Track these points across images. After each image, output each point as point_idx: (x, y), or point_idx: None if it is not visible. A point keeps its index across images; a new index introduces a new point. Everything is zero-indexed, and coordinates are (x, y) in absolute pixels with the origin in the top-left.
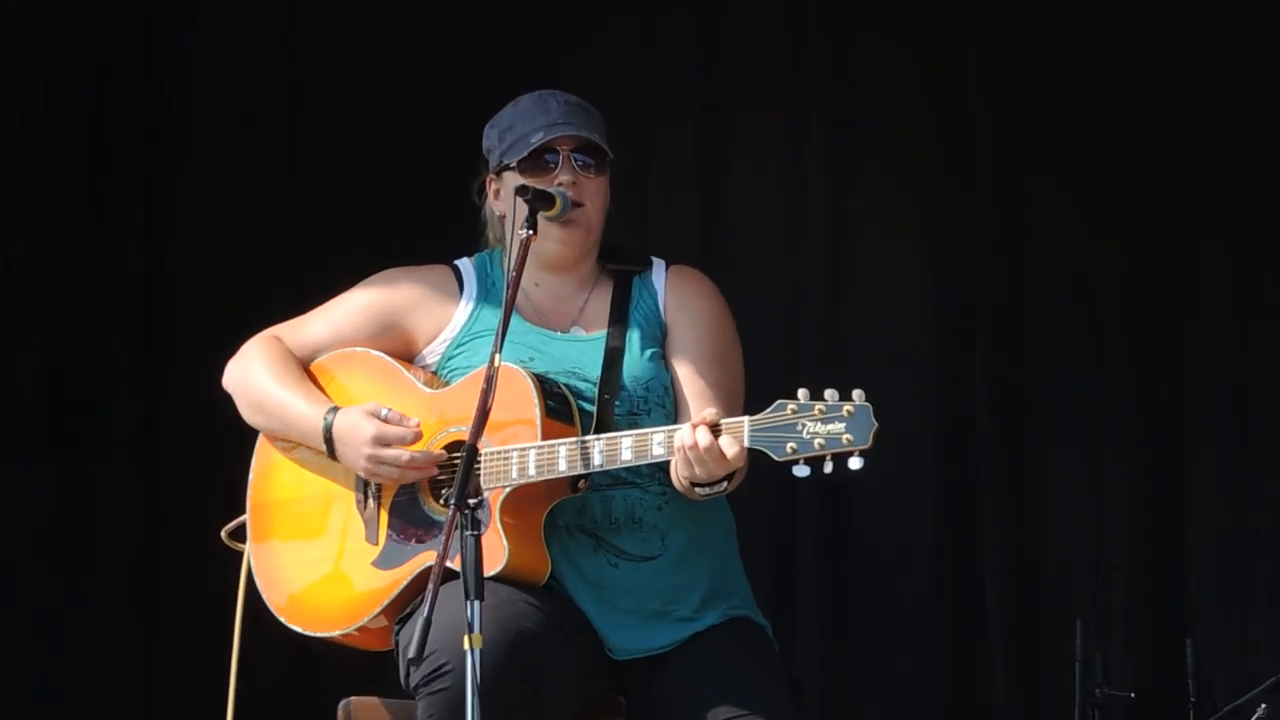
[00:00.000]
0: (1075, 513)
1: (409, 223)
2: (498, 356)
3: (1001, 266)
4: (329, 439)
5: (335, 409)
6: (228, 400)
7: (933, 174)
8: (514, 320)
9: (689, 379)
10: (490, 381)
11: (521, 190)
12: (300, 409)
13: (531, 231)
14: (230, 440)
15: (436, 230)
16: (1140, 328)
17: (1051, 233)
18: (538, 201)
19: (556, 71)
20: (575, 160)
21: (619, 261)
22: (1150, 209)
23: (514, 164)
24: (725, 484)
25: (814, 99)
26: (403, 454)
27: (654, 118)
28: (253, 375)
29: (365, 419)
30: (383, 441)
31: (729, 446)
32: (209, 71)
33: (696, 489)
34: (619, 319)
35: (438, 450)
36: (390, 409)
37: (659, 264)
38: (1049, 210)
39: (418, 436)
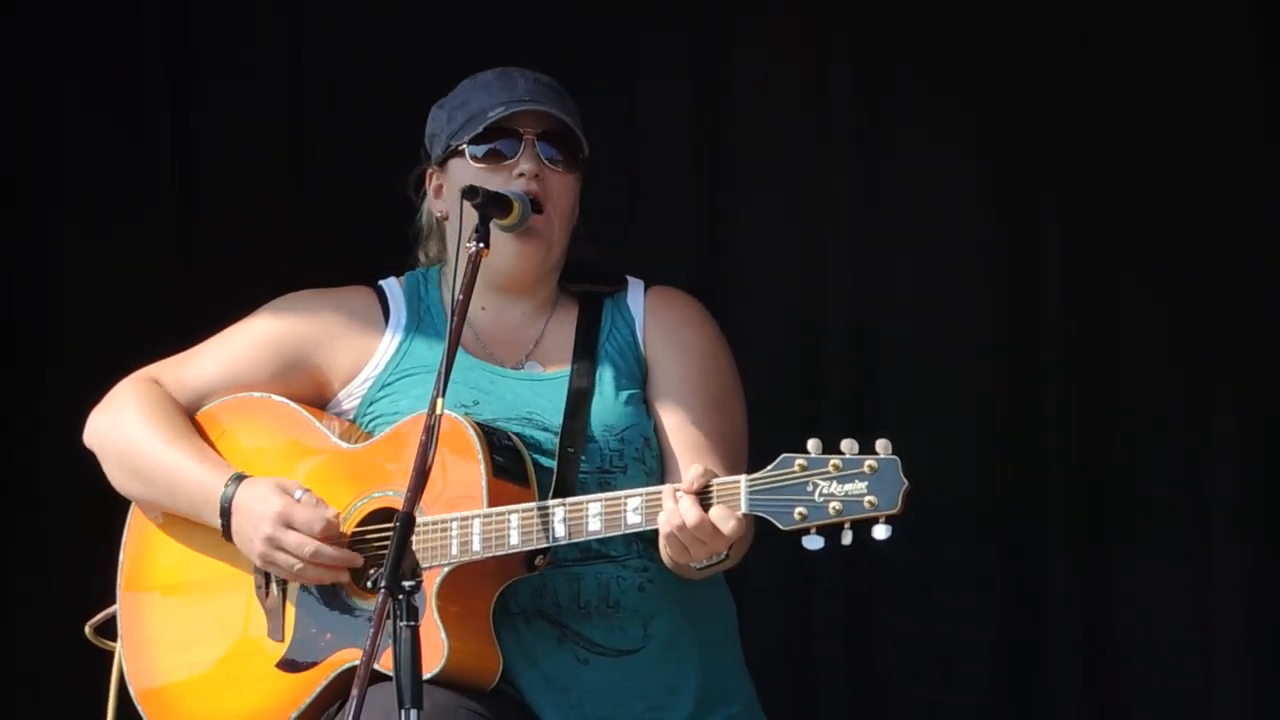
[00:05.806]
0: (1175, 620)
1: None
2: (440, 402)
3: (1075, 298)
4: (226, 513)
5: (240, 477)
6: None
7: (990, 178)
8: None
9: (678, 428)
10: (431, 433)
11: (469, 193)
12: (191, 474)
13: (483, 245)
14: (100, 510)
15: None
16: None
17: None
18: (490, 207)
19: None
20: (541, 149)
21: (584, 281)
22: None
23: (464, 146)
24: (726, 556)
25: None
26: (308, 542)
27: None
28: (127, 429)
29: (274, 493)
30: (287, 522)
31: (724, 521)
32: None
33: (691, 564)
34: (586, 352)
35: (350, 526)
36: (307, 490)
37: (635, 284)
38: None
39: (330, 529)
